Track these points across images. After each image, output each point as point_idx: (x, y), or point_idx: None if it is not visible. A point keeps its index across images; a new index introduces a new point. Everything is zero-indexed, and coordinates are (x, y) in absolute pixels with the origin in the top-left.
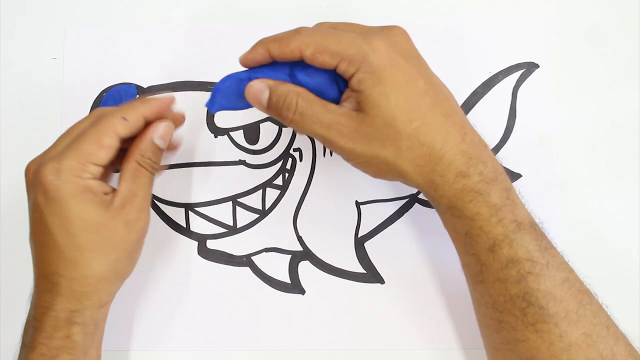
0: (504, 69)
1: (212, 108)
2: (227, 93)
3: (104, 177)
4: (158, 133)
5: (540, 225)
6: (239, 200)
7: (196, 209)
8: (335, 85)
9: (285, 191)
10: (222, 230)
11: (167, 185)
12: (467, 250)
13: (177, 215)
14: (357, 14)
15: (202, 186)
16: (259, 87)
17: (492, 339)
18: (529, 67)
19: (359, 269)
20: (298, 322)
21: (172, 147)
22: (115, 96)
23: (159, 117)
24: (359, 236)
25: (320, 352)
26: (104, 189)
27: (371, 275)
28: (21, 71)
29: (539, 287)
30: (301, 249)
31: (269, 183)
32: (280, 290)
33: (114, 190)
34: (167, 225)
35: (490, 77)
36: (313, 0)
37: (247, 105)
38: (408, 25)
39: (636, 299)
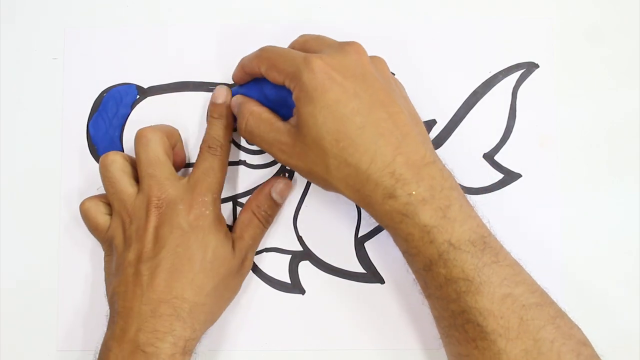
0: (504, 69)
1: None
2: None
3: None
4: (275, 189)
5: (487, 237)
6: (239, 200)
7: None
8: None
9: None
10: None
11: None
12: (410, 267)
13: None
14: (356, 15)
15: None
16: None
17: (446, 351)
18: (529, 67)
19: (359, 268)
20: (298, 322)
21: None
22: (115, 97)
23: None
24: (359, 236)
25: (320, 352)
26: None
27: (371, 275)
28: (21, 71)
29: (476, 305)
30: (301, 249)
31: None
32: (281, 290)
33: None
34: None
35: (490, 77)
36: (313, 0)
37: None
38: (408, 26)
39: (636, 299)
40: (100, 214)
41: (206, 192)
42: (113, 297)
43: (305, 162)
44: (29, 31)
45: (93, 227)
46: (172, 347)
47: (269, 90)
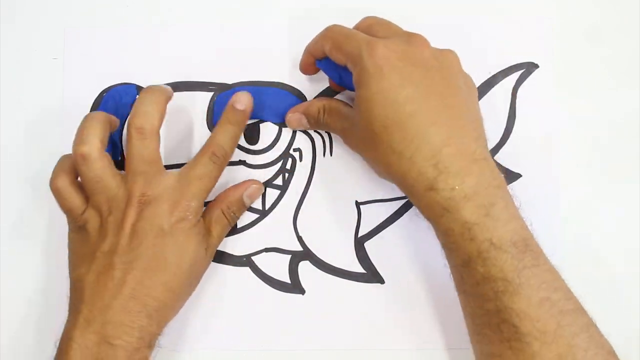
0: (503, 69)
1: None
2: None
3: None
4: (247, 192)
5: (529, 240)
6: None
7: None
8: None
9: (285, 191)
10: None
11: None
12: (448, 260)
13: None
14: (356, 15)
15: None
16: (297, 118)
17: (475, 349)
18: (529, 68)
19: (359, 269)
20: (298, 322)
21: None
22: (115, 97)
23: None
24: (359, 236)
25: (320, 352)
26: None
27: (371, 275)
28: (21, 71)
29: (512, 306)
30: (301, 249)
31: (269, 183)
32: (280, 290)
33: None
34: None
35: (490, 77)
36: (313, 0)
37: None
38: (408, 25)
39: (637, 300)
40: (75, 197)
41: (194, 197)
42: (78, 282)
43: (361, 147)
44: (29, 31)
45: (67, 209)
46: (138, 341)
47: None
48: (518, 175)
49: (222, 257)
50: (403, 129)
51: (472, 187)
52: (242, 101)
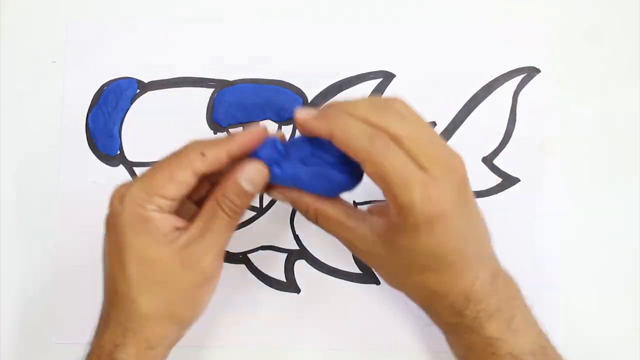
0: (505, 73)
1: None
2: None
3: (183, 211)
4: (245, 175)
5: (547, 348)
6: None
7: None
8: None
9: None
10: None
11: None
12: None
13: None
14: (356, 16)
15: None
16: (280, 197)
17: None
18: (530, 72)
19: (354, 269)
20: (292, 320)
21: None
22: (115, 90)
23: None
24: None
25: (314, 352)
26: (174, 223)
27: (367, 275)
28: (23, 64)
29: None
30: (297, 247)
31: None
32: (276, 289)
33: (188, 227)
34: None
35: (491, 81)
36: (313, 0)
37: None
38: (410, 29)
39: (637, 300)
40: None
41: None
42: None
43: (381, 269)
44: (31, 24)
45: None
46: (98, 350)
47: (327, 155)
48: (516, 180)
49: None
50: (439, 274)
51: (495, 305)
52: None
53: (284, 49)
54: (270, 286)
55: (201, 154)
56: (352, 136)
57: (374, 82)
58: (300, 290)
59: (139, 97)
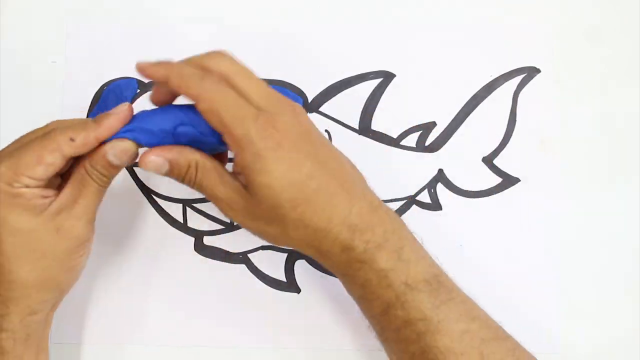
0: (505, 73)
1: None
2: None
3: (50, 184)
4: (114, 151)
5: (440, 276)
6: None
7: (194, 205)
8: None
9: None
10: (219, 226)
11: (165, 180)
12: (365, 313)
13: (175, 210)
14: (356, 16)
15: None
16: (157, 162)
17: None
18: (530, 72)
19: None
20: (293, 320)
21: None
22: (115, 91)
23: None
24: None
25: (314, 351)
26: (43, 193)
27: None
28: (23, 63)
29: (436, 344)
30: None
31: None
32: (276, 289)
33: (57, 195)
34: (164, 221)
35: (491, 81)
36: (313, 0)
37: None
38: (410, 28)
39: (637, 300)
40: None
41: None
42: None
43: (258, 223)
44: (31, 24)
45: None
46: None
47: (188, 128)
48: (516, 180)
49: (218, 254)
50: (313, 205)
51: (382, 236)
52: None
53: (284, 49)
54: (271, 286)
55: (70, 139)
56: (184, 77)
57: (374, 82)
58: (300, 290)
59: (139, 97)
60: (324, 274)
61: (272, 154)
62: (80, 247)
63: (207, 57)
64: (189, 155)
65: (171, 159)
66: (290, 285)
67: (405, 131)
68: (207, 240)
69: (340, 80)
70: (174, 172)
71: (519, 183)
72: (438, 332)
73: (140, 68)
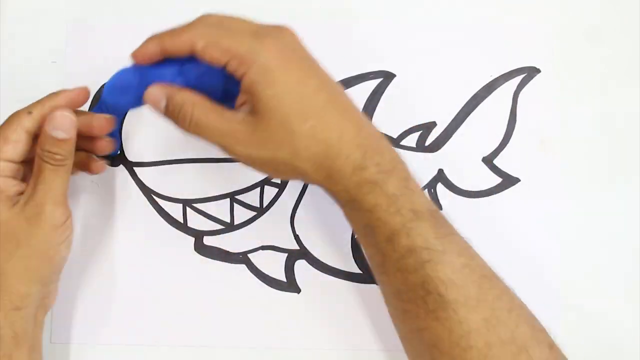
0: (505, 73)
1: (107, 100)
2: (119, 89)
3: (23, 175)
4: (52, 124)
5: (439, 212)
6: (236, 197)
7: (194, 205)
8: (227, 87)
9: (284, 189)
10: (219, 227)
11: (165, 180)
12: (368, 242)
13: (175, 210)
14: (356, 16)
15: (200, 182)
16: (156, 94)
17: (400, 329)
18: (530, 72)
19: (355, 269)
20: (293, 320)
21: (90, 133)
22: None
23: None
24: (355, 236)
25: (314, 352)
26: (18, 188)
27: (367, 275)
28: (23, 62)
29: (437, 275)
30: (298, 247)
31: (267, 181)
32: (276, 289)
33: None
34: (164, 221)
35: (491, 81)
36: (313, 0)
37: (139, 104)
38: (410, 28)
39: (637, 300)
40: None
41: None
42: None
43: (267, 149)
44: (31, 24)
45: None
46: None
47: (192, 76)
48: (516, 180)
49: (218, 254)
50: (324, 119)
51: (390, 162)
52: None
53: None
54: (271, 286)
55: (28, 112)
56: (175, 33)
57: (374, 82)
58: (300, 290)
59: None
60: (324, 274)
61: (281, 64)
62: (54, 233)
63: (191, 22)
64: (185, 94)
65: (168, 94)
66: (290, 285)
67: (405, 131)
68: (207, 240)
69: (340, 80)
70: (169, 109)
71: (519, 183)
72: (440, 263)
73: (134, 56)
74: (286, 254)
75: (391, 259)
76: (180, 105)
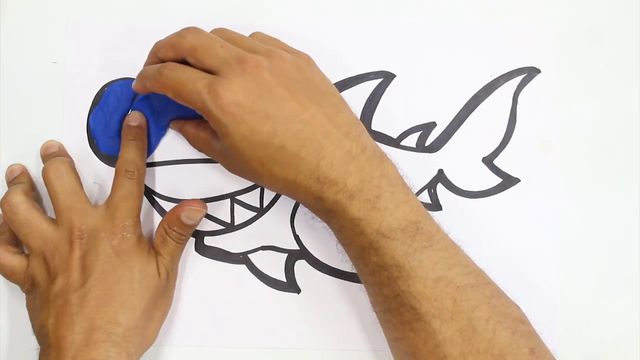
0: (505, 73)
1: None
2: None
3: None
4: (186, 214)
5: (421, 222)
6: (237, 197)
7: None
8: None
9: None
10: (219, 227)
11: (165, 180)
12: (347, 255)
13: None
14: (356, 16)
15: (200, 183)
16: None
17: (385, 335)
18: (530, 72)
19: (354, 269)
20: (293, 321)
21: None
22: (117, 91)
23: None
24: None
25: (314, 352)
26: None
27: None
28: (23, 64)
29: (408, 289)
30: (298, 248)
31: None
32: (276, 289)
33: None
34: None
35: (492, 81)
36: (313, 0)
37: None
38: (410, 28)
39: (637, 300)
40: (12, 256)
41: (126, 217)
42: (41, 330)
43: (245, 175)
44: (31, 24)
45: (9, 272)
46: None
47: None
48: (517, 180)
49: (218, 254)
50: (279, 161)
51: (355, 185)
52: (135, 119)
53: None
54: (271, 286)
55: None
56: (148, 77)
57: (374, 82)
58: (300, 290)
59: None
60: (324, 274)
61: (230, 118)
62: (158, 295)
63: (177, 34)
64: (187, 128)
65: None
66: (290, 285)
67: (405, 131)
68: (207, 241)
69: (340, 81)
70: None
71: (519, 183)
72: (410, 278)
73: (134, 89)
74: (286, 254)
75: (364, 273)
76: (187, 135)
